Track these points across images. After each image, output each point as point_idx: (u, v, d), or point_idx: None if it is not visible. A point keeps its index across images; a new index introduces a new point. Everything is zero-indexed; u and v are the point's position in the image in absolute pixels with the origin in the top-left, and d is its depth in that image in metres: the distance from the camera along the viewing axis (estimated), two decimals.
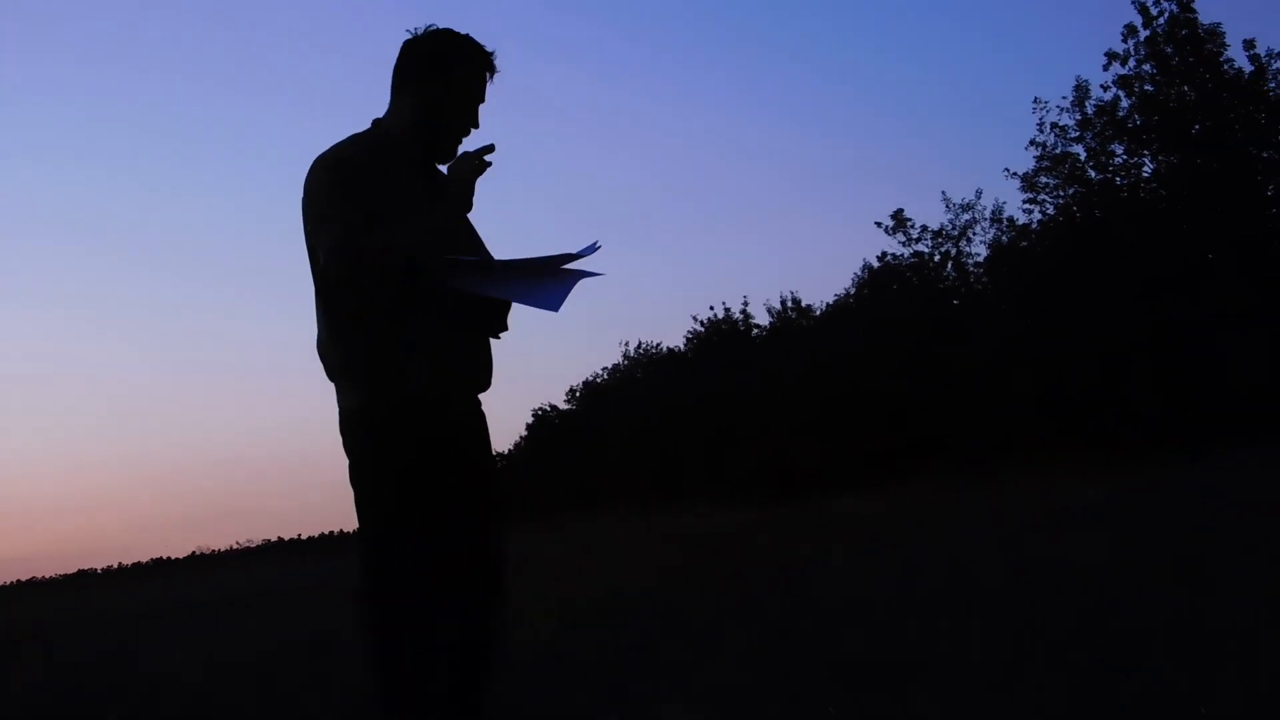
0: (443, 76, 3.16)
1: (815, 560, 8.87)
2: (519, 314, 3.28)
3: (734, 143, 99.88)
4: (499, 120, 3.42)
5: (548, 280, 3.10)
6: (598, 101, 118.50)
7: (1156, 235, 21.80)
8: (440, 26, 3.24)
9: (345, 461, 3.15)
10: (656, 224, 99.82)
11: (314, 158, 3.10)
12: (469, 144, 3.25)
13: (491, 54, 3.22)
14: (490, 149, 3.15)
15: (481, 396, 3.32)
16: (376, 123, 3.24)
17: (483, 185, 3.21)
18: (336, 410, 3.15)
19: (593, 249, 3.09)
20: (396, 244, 2.98)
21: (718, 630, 5.85)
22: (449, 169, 3.15)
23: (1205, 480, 11.37)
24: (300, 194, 3.10)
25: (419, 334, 3.05)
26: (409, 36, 3.22)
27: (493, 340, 3.33)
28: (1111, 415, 21.71)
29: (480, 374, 3.25)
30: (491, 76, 3.23)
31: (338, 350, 3.07)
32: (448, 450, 3.11)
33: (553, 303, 3.03)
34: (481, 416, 3.30)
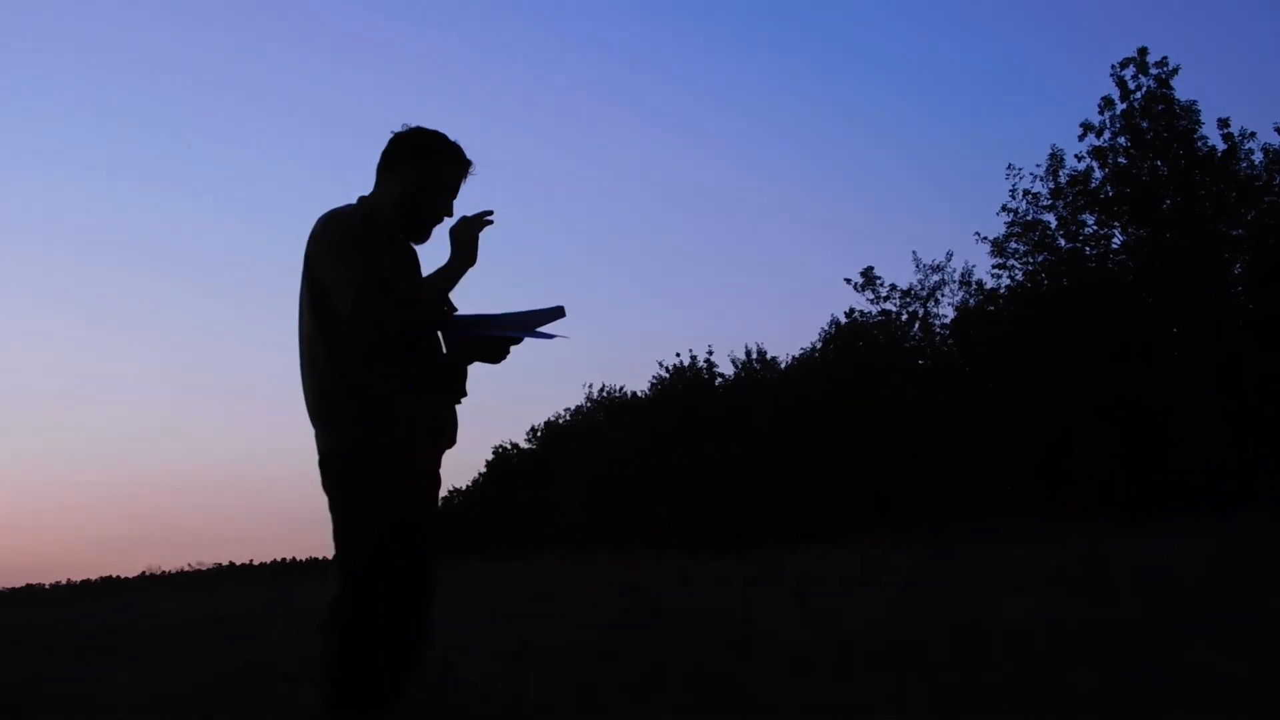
0: (434, 167, 3.58)
1: (759, 612, 8.77)
2: (476, 367, 3.68)
3: (710, 192, 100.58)
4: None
5: (523, 331, 3.54)
6: (573, 142, 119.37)
7: (1122, 307, 21.95)
8: (428, 127, 3.65)
9: (302, 491, 3.36)
10: (629, 270, 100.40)
11: (320, 214, 3.50)
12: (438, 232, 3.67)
13: (471, 162, 3.66)
14: (490, 213, 3.61)
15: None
16: (362, 199, 3.62)
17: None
18: (315, 447, 3.47)
19: (558, 313, 3.52)
20: (418, 293, 3.50)
21: (657, 678, 5.75)
22: (452, 229, 3.60)
23: (1149, 548, 11.38)
24: (304, 245, 3.48)
25: (418, 387, 3.45)
26: (396, 131, 3.63)
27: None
28: (1063, 481, 21.82)
29: (454, 432, 3.64)
30: (466, 178, 3.67)
31: (338, 389, 3.38)
32: (422, 491, 3.53)
33: (542, 335, 3.49)
34: (439, 465, 3.67)
